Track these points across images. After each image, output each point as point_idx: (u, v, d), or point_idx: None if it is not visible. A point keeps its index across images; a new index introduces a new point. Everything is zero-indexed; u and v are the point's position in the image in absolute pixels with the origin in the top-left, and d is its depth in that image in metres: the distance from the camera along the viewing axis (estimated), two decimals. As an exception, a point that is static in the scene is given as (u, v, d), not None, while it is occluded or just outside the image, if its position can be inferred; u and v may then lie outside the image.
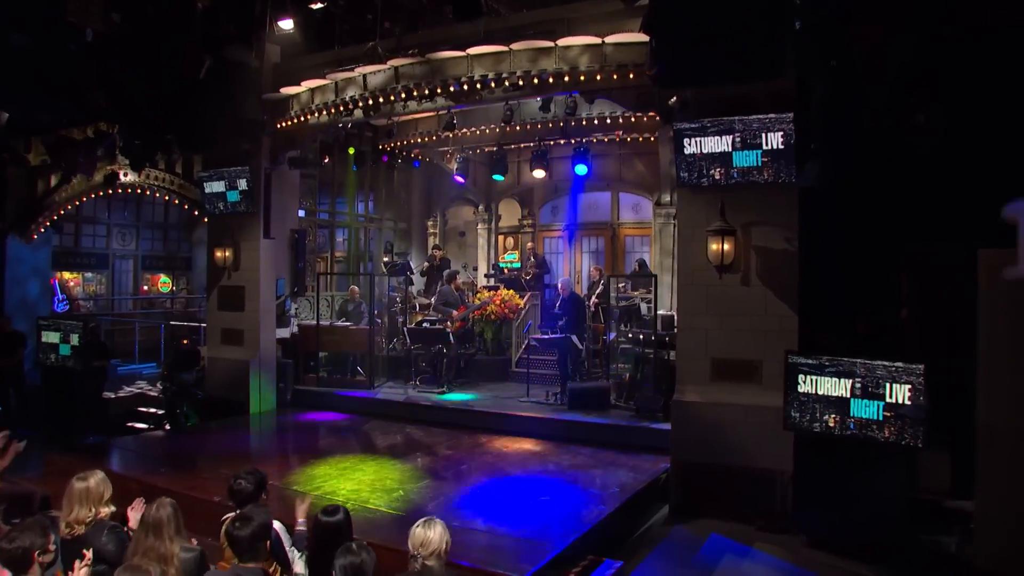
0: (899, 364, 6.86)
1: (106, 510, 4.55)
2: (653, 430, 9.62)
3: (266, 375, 11.79)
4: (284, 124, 11.36)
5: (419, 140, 13.41)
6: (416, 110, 10.53)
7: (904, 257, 8.55)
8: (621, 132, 12.79)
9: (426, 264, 14.41)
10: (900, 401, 6.84)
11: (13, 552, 3.63)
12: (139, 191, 13.76)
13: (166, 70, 10.15)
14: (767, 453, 8.00)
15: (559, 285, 11.66)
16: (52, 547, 4.03)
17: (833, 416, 7.23)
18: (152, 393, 12.36)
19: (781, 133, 7.92)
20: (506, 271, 14.90)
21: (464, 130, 12.81)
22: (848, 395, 7.14)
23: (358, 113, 10.72)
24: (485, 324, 13.21)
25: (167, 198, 13.47)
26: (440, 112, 12.33)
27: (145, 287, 18.49)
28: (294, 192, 12.84)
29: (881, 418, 6.95)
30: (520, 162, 14.83)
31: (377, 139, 13.76)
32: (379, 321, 13.26)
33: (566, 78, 8.96)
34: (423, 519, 3.93)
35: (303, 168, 12.71)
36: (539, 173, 12.71)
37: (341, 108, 10.45)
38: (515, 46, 9.02)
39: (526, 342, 13.68)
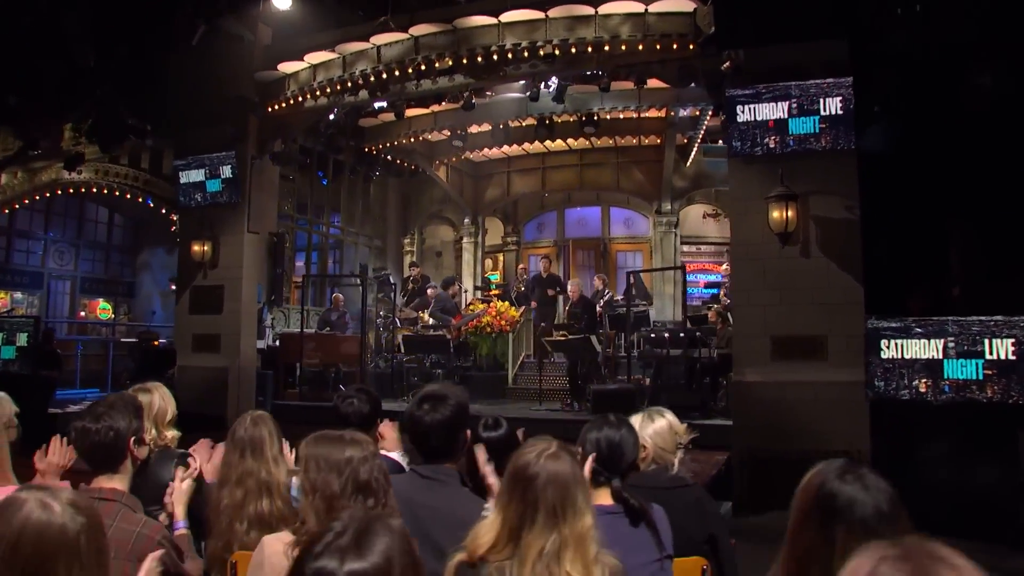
0: (998, 317, 6.49)
1: (171, 434, 3.44)
2: (695, 426, 8.86)
3: (245, 386, 10.47)
4: (276, 107, 10.43)
5: (411, 140, 12.66)
6: (429, 90, 9.82)
7: (959, 231, 8.36)
8: (621, 136, 12.49)
9: (411, 283, 13.48)
10: (1004, 357, 6.44)
11: (102, 435, 2.50)
12: (89, 191, 12.37)
13: (156, 35, 9.20)
14: (839, 433, 7.41)
15: (569, 288, 10.99)
16: (148, 439, 2.98)
17: (924, 381, 6.75)
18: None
19: (840, 98, 7.69)
20: (492, 291, 14.12)
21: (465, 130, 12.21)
22: (940, 356, 6.70)
23: (363, 94, 9.97)
24: (480, 338, 12.31)
25: (128, 195, 12.14)
26: (437, 111, 11.91)
27: (82, 313, 16.63)
28: (273, 192, 11.78)
29: (982, 377, 6.51)
30: (510, 172, 14.29)
31: (363, 142, 12.94)
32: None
33: (606, 47, 8.52)
34: (650, 410, 3.15)
35: (286, 165, 11.77)
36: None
37: (349, 84, 9.65)
38: (552, 12, 8.55)
39: (522, 357, 12.88)
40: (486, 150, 13.41)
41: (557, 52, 8.62)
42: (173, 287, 16.92)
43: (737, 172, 8.27)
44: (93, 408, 2.61)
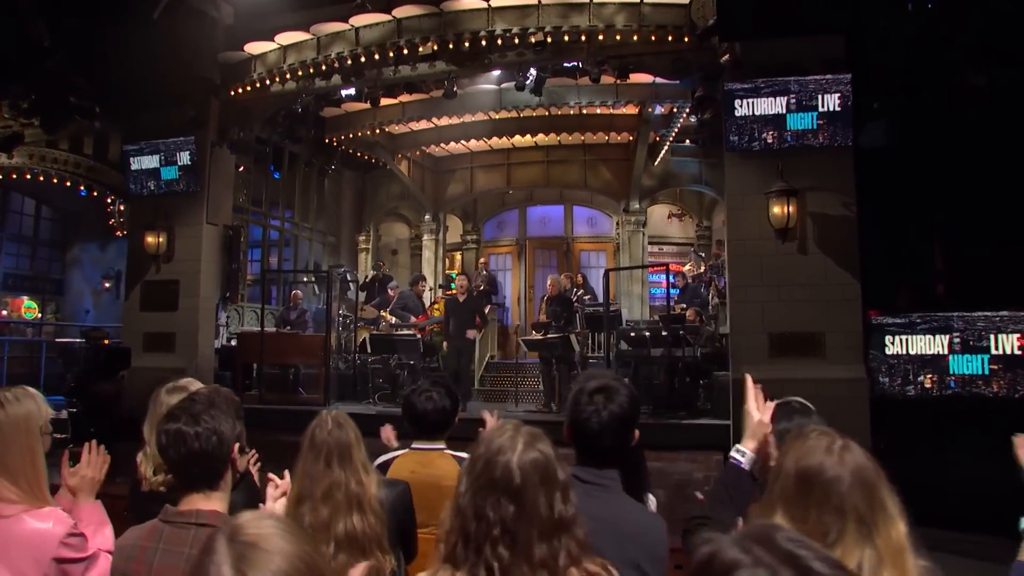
0: (1004, 313, 6.58)
1: None
2: (686, 426, 8.74)
3: (203, 388, 9.72)
4: (239, 91, 9.78)
5: (376, 132, 12.13)
6: (406, 77, 9.37)
7: (944, 228, 8.50)
8: (594, 133, 12.30)
9: (372, 273, 12.91)
10: (1009, 352, 6.53)
11: (203, 441, 1.96)
12: (23, 177, 11.31)
13: (112, 5, 8.44)
14: (840, 430, 7.38)
15: (548, 282, 10.68)
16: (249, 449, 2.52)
17: (929, 376, 6.80)
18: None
19: (838, 95, 7.71)
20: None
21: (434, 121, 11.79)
22: (946, 351, 6.76)
23: (336, 79, 9.45)
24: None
25: (68, 183, 11.16)
26: (405, 101, 11.44)
27: (4, 312, 15.22)
28: (229, 183, 11.01)
29: (987, 372, 6.59)
30: (474, 168, 13.88)
31: (323, 133, 12.31)
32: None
33: (600, 36, 8.30)
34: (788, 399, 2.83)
35: (243, 155, 11.05)
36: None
37: (323, 67, 9.12)
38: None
39: (487, 358, 12.54)
40: (452, 144, 12.99)
41: (549, 40, 8.34)
42: (107, 284, 15.85)
43: (733, 167, 8.18)
44: (188, 406, 2.07)
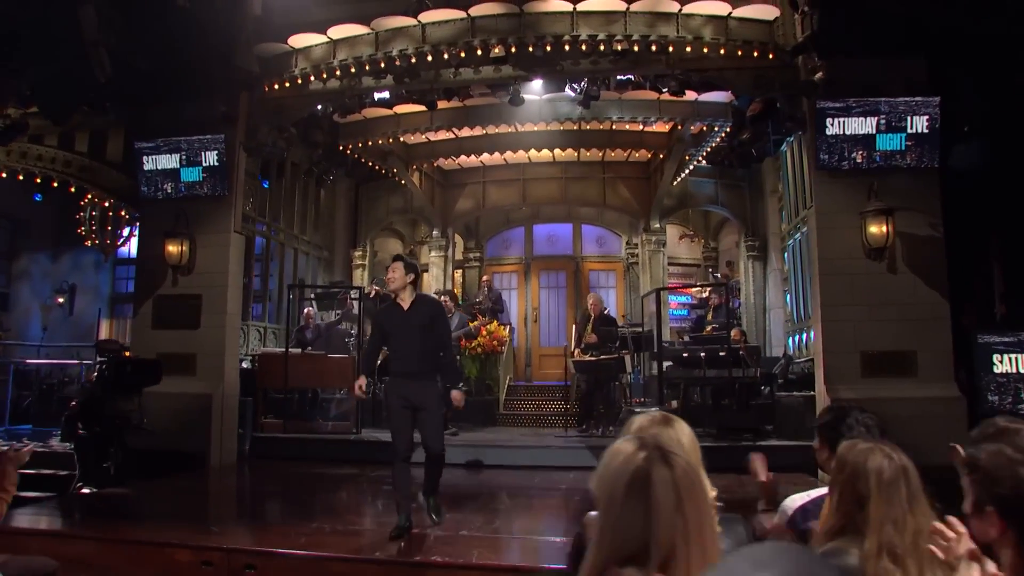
0: (1118, 333, 6.71)
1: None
2: (760, 447, 8.48)
3: (229, 416, 8.72)
4: (275, 87, 8.93)
5: (400, 139, 11.44)
6: (467, 80, 8.81)
7: (1004, 249, 8.70)
8: (624, 150, 12.07)
9: (376, 289, 12.11)
10: None
11: None
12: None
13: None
14: (937, 449, 7.29)
15: (589, 303, 10.28)
16: None
17: (1043, 396, 6.84)
18: (38, 449, 8.46)
19: (927, 117, 7.79)
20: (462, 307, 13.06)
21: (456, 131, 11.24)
22: (1059, 370, 6.82)
23: (389, 78, 8.76)
24: (469, 360, 11.26)
25: (55, 184, 9.84)
26: (430, 110, 10.83)
27: (-61, 329, 13.30)
28: (240, 187, 10.06)
29: (1104, 391, 6.69)
30: (486, 182, 13.32)
31: (337, 139, 11.49)
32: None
33: (688, 48, 8.05)
34: None
35: (259, 157, 10.14)
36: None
37: (382, 64, 8.43)
38: (634, 6, 7.96)
39: (508, 380, 12.01)
40: (471, 157, 12.44)
41: (636, 48, 8.02)
42: (60, 300, 14.22)
43: (823, 186, 8.10)
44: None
